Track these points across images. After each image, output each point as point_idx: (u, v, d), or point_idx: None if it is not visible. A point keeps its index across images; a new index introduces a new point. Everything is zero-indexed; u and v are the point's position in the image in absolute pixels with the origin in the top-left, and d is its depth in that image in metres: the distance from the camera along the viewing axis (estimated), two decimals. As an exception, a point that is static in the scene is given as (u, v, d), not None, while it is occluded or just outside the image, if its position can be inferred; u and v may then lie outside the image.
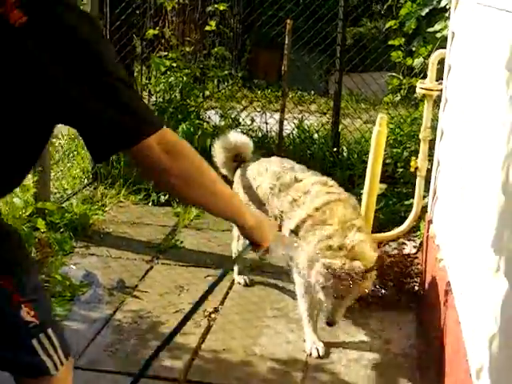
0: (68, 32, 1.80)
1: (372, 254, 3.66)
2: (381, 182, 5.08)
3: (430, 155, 4.64)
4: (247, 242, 2.52)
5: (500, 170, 2.39)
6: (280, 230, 3.77)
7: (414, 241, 5.07)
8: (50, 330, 2.14)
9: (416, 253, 4.84)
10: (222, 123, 6.49)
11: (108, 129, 1.85)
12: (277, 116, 6.76)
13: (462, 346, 2.97)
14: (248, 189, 4.25)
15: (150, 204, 5.93)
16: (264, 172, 4.21)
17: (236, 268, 4.58)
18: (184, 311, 4.18)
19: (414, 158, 4.65)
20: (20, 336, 2.09)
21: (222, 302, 4.33)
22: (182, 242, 5.20)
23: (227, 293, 4.46)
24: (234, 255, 4.56)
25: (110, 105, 1.83)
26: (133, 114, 1.87)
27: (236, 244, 4.49)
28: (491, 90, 2.81)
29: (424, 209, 4.76)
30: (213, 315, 4.17)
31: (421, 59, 6.05)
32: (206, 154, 5.94)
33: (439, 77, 4.52)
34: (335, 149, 6.29)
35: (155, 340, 3.88)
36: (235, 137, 4.63)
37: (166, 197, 5.90)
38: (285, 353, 3.83)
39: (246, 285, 4.55)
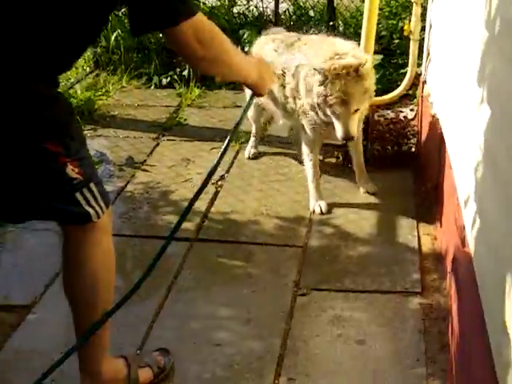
0: None
1: (363, 55, 3.81)
2: (377, 53, 5.19)
3: (423, 20, 4.72)
4: (250, 93, 2.80)
5: (483, 7, 2.52)
6: None
7: (410, 107, 5.21)
8: (92, 184, 2.37)
9: (413, 118, 4.98)
10: (219, 3, 6.53)
11: (153, 6, 2.15)
12: (272, -2, 6.79)
13: (454, 188, 3.17)
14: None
15: (152, 87, 6.05)
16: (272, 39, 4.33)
17: (251, 141, 4.75)
18: (192, 181, 4.41)
19: (406, 22, 4.74)
20: (66, 190, 2.33)
21: (227, 171, 4.52)
22: (185, 120, 5.37)
23: (232, 162, 4.65)
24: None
25: None
26: None
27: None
28: None
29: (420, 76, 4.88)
30: (219, 182, 4.38)
31: None
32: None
33: None
34: (331, 23, 6.34)
35: (166, 207, 4.12)
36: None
37: (168, 79, 6.02)
38: (290, 211, 4.05)
39: (252, 158, 4.72)
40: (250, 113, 4.61)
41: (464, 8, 3.20)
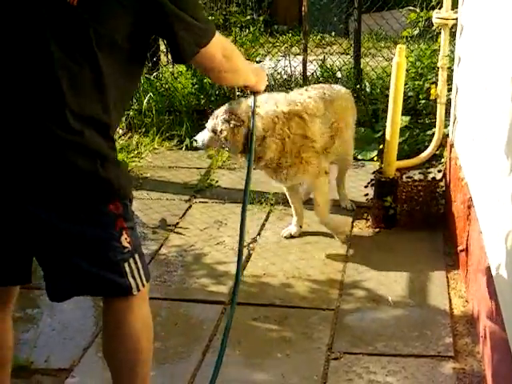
0: None
1: None
2: (404, 114, 5.30)
3: (450, 83, 4.83)
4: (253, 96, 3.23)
5: (510, 82, 2.61)
6: None
7: (438, 167, 5.27)
8: (137, 255, 2.41)
9: (441, 179, 5.04)
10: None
11: (187, 32, 2.31)
12: (299, 58, 6.95)
13: (484, 253, 3.21)
14: None
15: (183, 149, 6.18)
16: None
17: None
18: (224, 243, 4.49)
19: (433, 86, 4.84)
20: (116, 260, 2.36)
21: (258, 233, 4.60)
22: (217, 182, 5.49)
23: (263, 224, 4.73)
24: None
25: (188, 15, 2.31)
26: (203, 20, 2.39)
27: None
28: (501, 14, 3.01)
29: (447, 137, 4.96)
30: (251, 245, 4.45)
31: (437, -9, 6.19)
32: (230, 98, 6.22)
33: (455, 6, 4.67)
34: (358, 85, 6.47)
35: (200, 270, 4.19)
36: None
37: (200, 141, 6.15)
38: (322, 274, 4.10)
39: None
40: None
41: (490, 75, 3.29)
